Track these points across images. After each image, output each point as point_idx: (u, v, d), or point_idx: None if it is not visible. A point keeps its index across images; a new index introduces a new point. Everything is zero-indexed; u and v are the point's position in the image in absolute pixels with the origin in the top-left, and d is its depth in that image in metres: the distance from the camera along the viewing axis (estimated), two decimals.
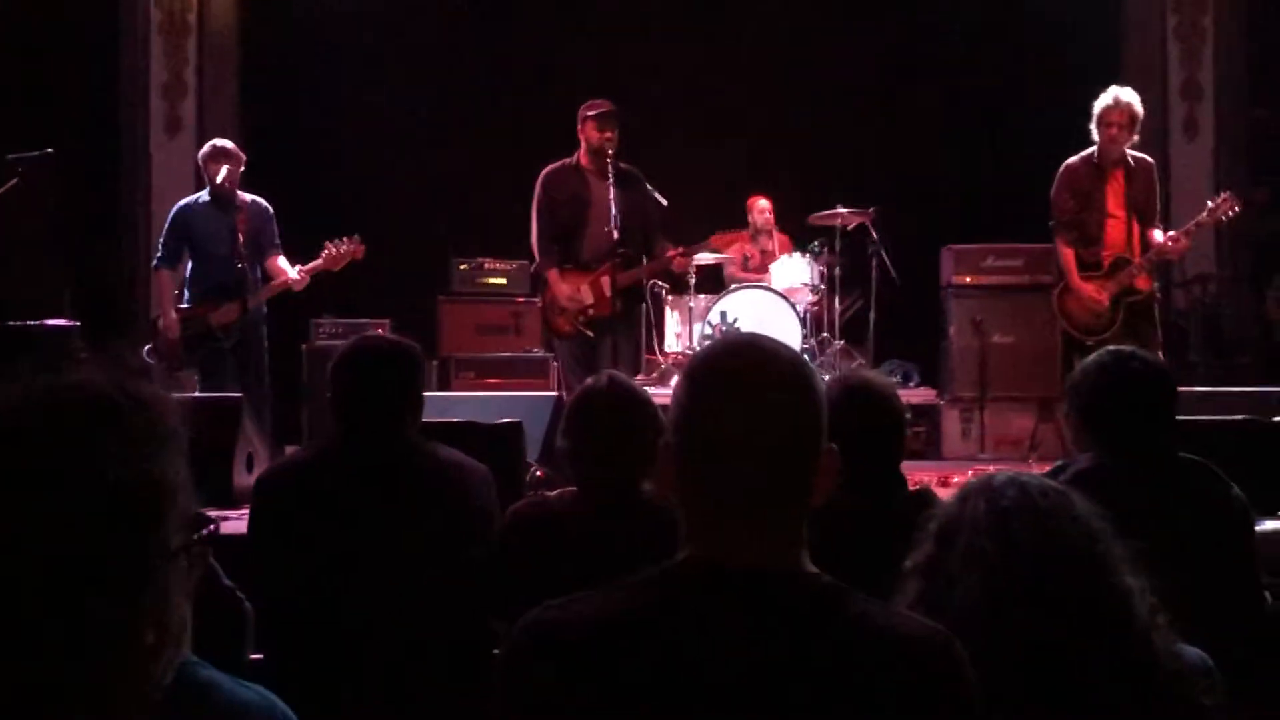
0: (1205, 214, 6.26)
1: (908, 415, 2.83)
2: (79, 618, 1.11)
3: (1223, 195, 6.32)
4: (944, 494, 2.86)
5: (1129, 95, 6.13)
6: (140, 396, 1.20)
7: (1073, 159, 6.27)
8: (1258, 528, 2.92)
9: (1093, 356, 2.92)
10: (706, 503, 1.42)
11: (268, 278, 6.37)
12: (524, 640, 1.41)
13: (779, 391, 1.41)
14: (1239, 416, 4.38)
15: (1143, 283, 6.18)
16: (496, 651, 1.62)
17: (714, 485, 1.41)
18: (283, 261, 6.37)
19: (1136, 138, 6.19)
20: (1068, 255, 6.27)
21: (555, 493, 3.03)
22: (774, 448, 1.39)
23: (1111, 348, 2.95)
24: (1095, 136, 6.16)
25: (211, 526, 1.29)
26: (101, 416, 1.16)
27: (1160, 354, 6.12)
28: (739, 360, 1.45)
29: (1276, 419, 4.36)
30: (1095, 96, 6.33)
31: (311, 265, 6.27)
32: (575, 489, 2.87)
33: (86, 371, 1.20)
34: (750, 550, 1.39)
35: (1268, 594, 2.73)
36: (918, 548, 1.73)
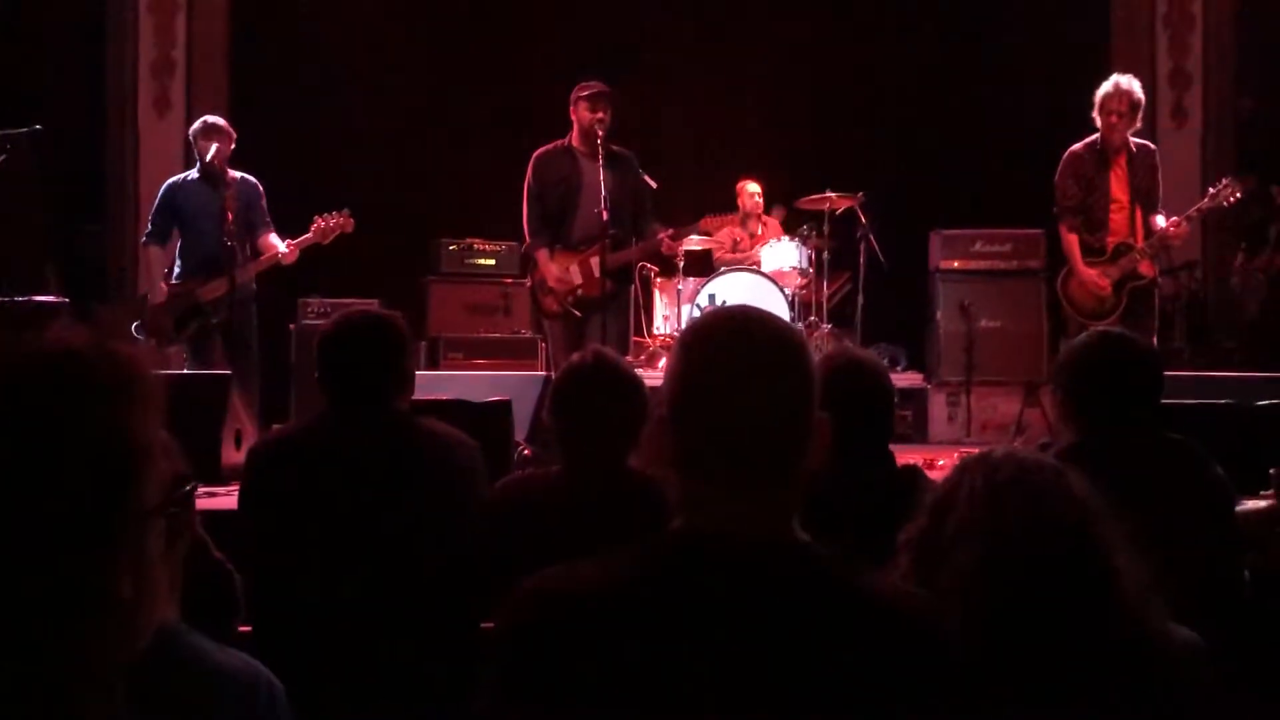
0: (1206, 199, 6.29)
1: (895, 393, 2.85)
2: (52, 568, 1.12)
3: (1224, 181, 6.34)
4: (932, 475, 2.89)
5: (1130, 82, 6.15)
6: (115, 353, 1.19)
7: (1076, 145, 6.29)
8: (1239, 508, 2.95)
9: (1081, 336, 2.95)
10: (701, 472, 1.43)
11: (258, 255, 6.37)
12: (524, 608, 1.42)
13: (771, 359, 1.42)
14: (1222, 400, 4.41)
15: (1146, 268, 6.21)
16: (488, 624, 1.62)
17: (708, 454, 1.42)
18: (274, 238, 6.38)
19: (1139, 124, 6.21)
20: (1072, 241, 6.29)
21: (540, 469, 3.05)
22: (767, 415, 1.41)
23: (1100, 328, 2.97)
24: (1097, 123, 6.17)
25: (190, 486, 1.29)
26: (74, 372, 1.16)
27: (1154, 340, 6.17)
28: (731, 330, 1.47)
29: (1259, 403, 4.39)
30: (1085, 83, 6.35)
31: (301, 239, 6.29)
32: (561, 465, 2.88)
33: (62, 331, 1.20)
34: (745, 519, 1.40)
35: (1247, 572, 2.75)
36: (911, 521, 1.74)
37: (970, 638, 1.47)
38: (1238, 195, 6.27)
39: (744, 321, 1.48)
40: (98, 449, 1.14)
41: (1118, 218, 6.24)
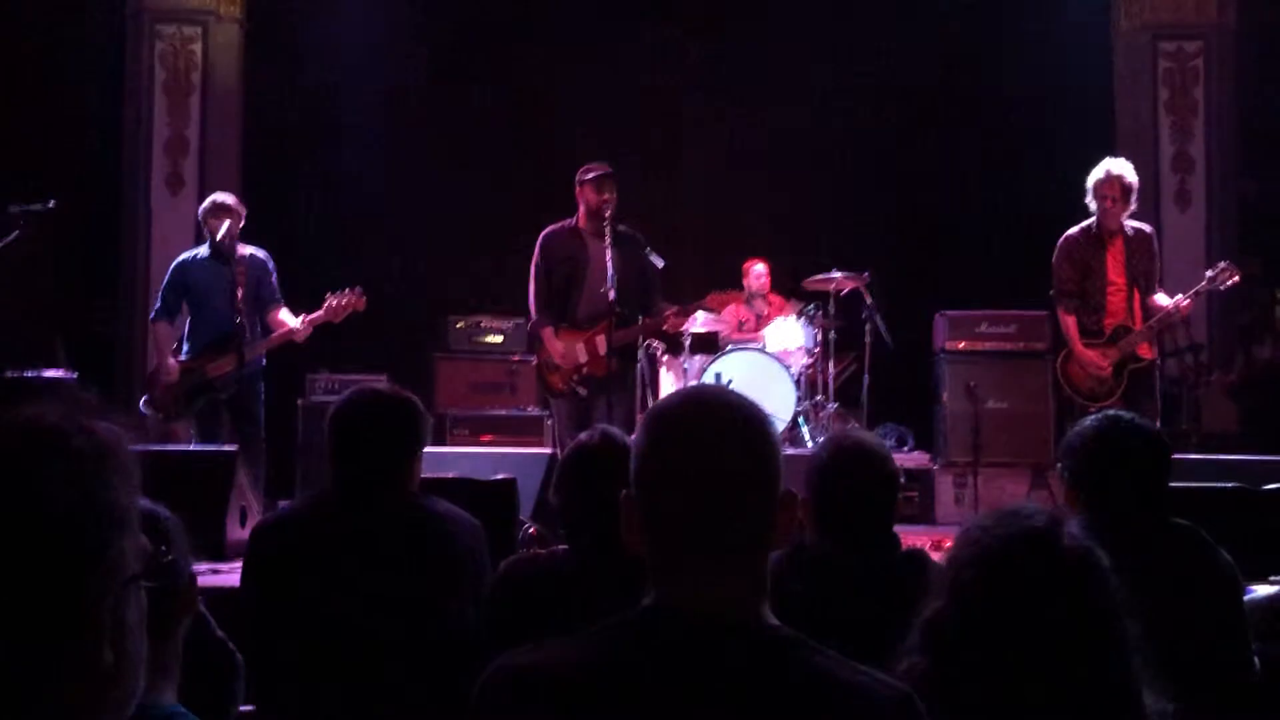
0: (1205, 282, 6.32)
1: (900, 476, 2.84)
2: (27, 634, 1.13)
3: (1222, 265, 6.37)
4: (937, 558, 2.88)
5: (1120, 166, 6.20)
6: (89, 427, 1.21)
7: (1072, 230, 6.33)
8: (1247, 595, 2.93)
9: (1088, 419, 2.94)
10: (666, 550, 1.45)
11: (268, 331, 6.39)
12: (492, 684, 1.44)
13: (732, 437, 1.44)
14: (1229, 484, 4.39)
15: (1145, 350, 6.22)
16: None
17: (672, 532, 1.44)
18: (285, 314, 6.40)
19: (1134, 207, 6.24)
20: (1070, 323, 6.32)
21: (546, 549, 3.03)
22: (729, 492, 1.42)
23: (1109, 412, 2.97)
24: (1091, 208, 6.22)
25: (177, 566, 1.31)
26: (47, 444, 1.18)
27: (1157, 421, 6.16)
28: (692, 409, 1.50)
29: (1267, 486, 4.38)
30: (1088, 166, 6.41)
31: (313, 316, 6.30)
32: (566, 545, 2.87)
33: (39, 404, 1.22)
34: (709, 598, 1.41)
35: (1256, 659, 2.72)
36: (924, 602, 1.71)
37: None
38: (1236, 278, 6.30)
39: (707, 400, 1.52)
40: (70, 520, 1.16)
41: (1115, 300, 6.27)
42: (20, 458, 1.17)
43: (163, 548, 1.32)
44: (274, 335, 6.34)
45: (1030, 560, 1.62)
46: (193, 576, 1.64)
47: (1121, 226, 6.24)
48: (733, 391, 1.54)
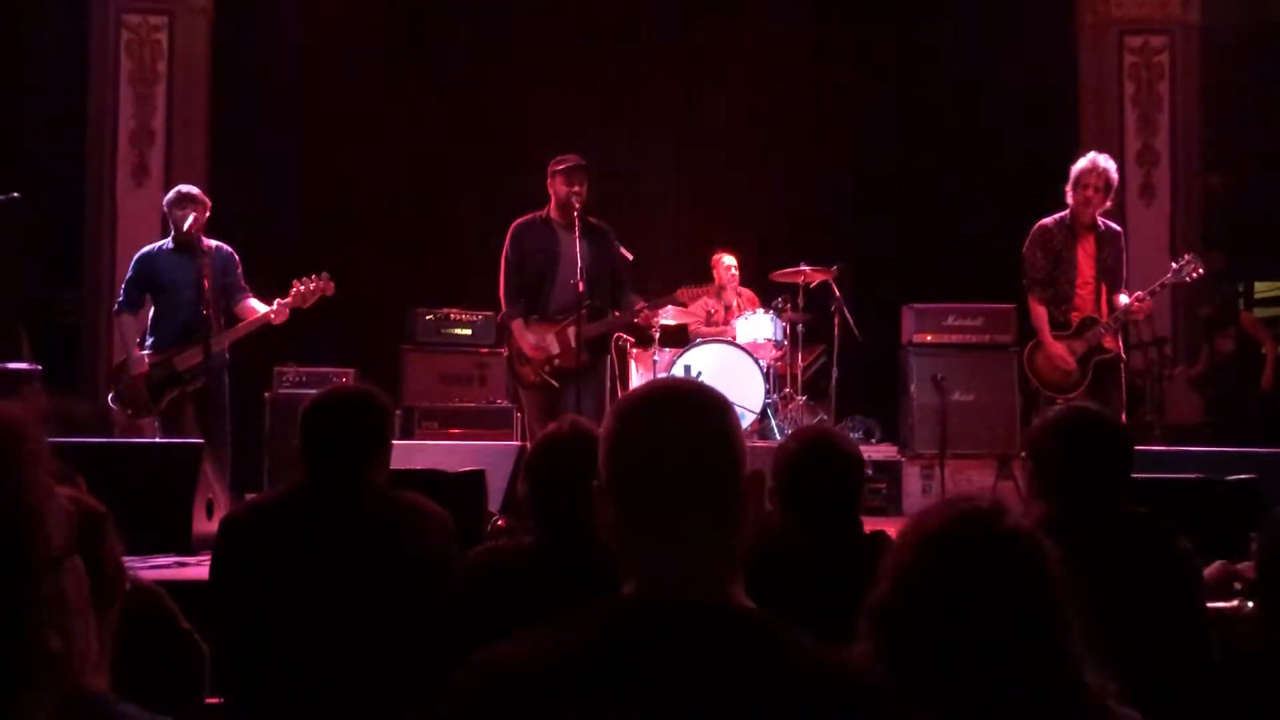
0: (1169, 275, 6.37)
1: (867, 467, 2.87)
2: None
3: (1186, 257, 6.43)
4: None
5: (1106, 161, 6.26)
6: None
7: (1046, 220, 6.37)
8: (1215, 605, 2.96)
9: (1051, 411, 2.97)
10: (638, 538, 1.47)
11: (234, 322, 6.34)
12: (468, 678, 1.44)
13: (697, 423, 1.49)
14: (1191, 475, 4.43)
15: (1109, 342, 6.28)
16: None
17: (642, 519, 1.47)
18: (254, 302, 6.35)
19: (1109, 204, 6.30)
20: (1040, 313, 6.35)
21: (513, 540, 3.04)
22: (697, 477, 1.46)
23: (1072, 403, 3.01)
24: (1069, 199, 6.26)
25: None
26: None
27: (1122, 414, 6.22)
28: (658, 397, 1.55)
29: (1230, 477, 4.42)
30: (1055, 161, 6.46)
31: (286, 300, 6.25)
32: (533, 536, 2.88)
33: None
34: (682, 584, 1.44)
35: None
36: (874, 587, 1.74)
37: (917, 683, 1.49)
38: (1200, 271, 6.36)
39: (672, 389, 1.60)
40: None
41: (1083, 293, 6.32)
42: None
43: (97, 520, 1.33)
44: (247, 321, 6.29)
45: (968, 540, 1.65)
46: (120, 562, 1.64)
47: (1095, 221, 6.29)
48: (695, 382, 1.60)
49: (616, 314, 6.55)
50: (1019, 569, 1.64)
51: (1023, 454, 2.97)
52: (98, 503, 1.70)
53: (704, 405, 1.52)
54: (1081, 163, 6.25)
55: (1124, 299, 6.27)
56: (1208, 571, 3.07)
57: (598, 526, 1.52)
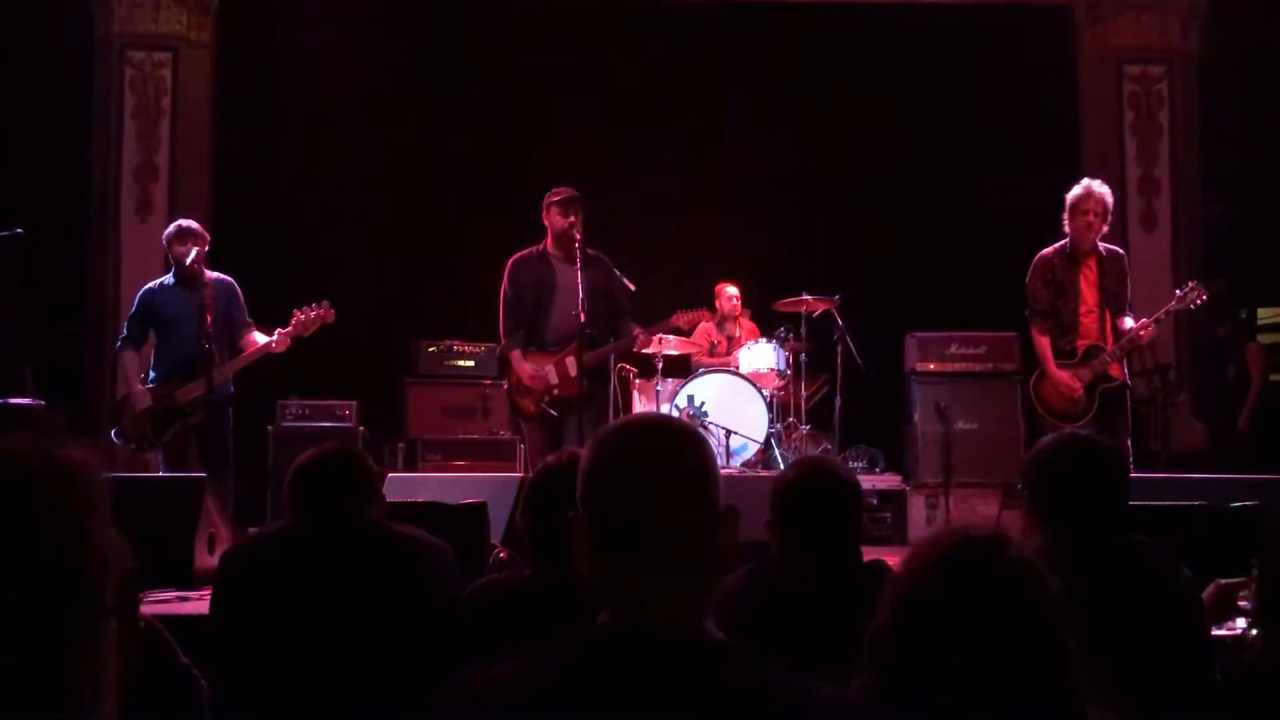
0: (1174, 302, 6.37)
1: (868, 497, 2.87)
2: (25, 680, 1.12)
3: (1190, 284, 6.43)
4: None
5: (1101, 187, 6.28)
6: (65, 462, 1.21)
7: (1046, 250, 6.38)
8: (1218, 631, 2.95)
9: (1048, 438, 2.97)
10: (613, 568, 1.51)
11: (237, 354, 6.35)
12: (449, 701, 1.47)
13: (671, 457, 1.53)
14: (1194, 503, 4.42)
15: (1116, 370, 6.27)
16: None
17: (618, 550, 1.50)
18: (257, 335, 6.37)
19: (1106, 228, 6.31)
20: (1043, 344, 6.35)
21: (514, 572, 3.04)
22: (671, 511, 1.50)
23: (1067, 430, 3.00)
24: (1067, 228, 6.27)
25: (138, 583, 1.30)
26: (31, 485, 1.18)
27: (1128, 441, 6.20)
28: (633, 432, 1.60)
29: (1233, 504, 4.41)
30: (1055, 189, 6.47)
31: (286, 330, 6.26)
32: (532, 568, 2.87)
33: (8, 439, 1.22)
34: (654, 612, 1.47)
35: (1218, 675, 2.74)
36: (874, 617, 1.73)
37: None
38: (1204, 298, 6.36)
39: (647, 425, 1.68)
40: (61, 559, 1.15)
41: (1087, 320, 6.32)
42: (10, 497, 1.16)
43: (133, 572, 1.31)
44: (249, 353, 6.30)
45: (969, 570, 1.65)
46: (139, 614, 1.64)
47: (1096, 247, 6.30)
48: (671, 417, 1.60)
49: (616, 342, 6.54)
50: (1020, 600, 1.63)
51: (1019, 487, 2.96)
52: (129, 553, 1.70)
53: (679, 439, 1.55)
54: (1077, 190, 6.27)
55: (1129, 322, 6.27)
56: (1205, 594, 3.06)
57: (575, 558, 1.54)
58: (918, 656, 1.62)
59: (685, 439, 1.56)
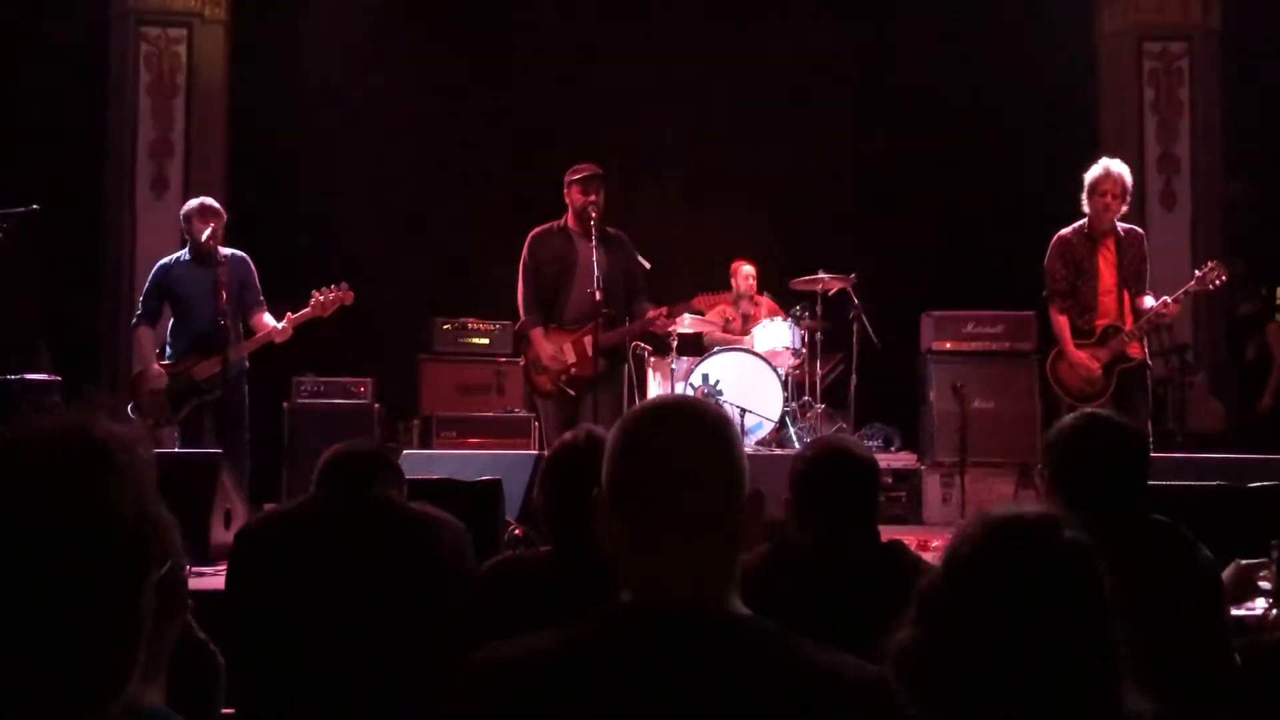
0: (1194, 281, 6.33)
1: (885, 476, 2.86)
2: (93, 653, 1.14)
3: (1210, 264, 6.39)
4: (925, 556, 2.89)
5: (1119, 166, 6.24)
6: (120, 435, 1.22)
7: (1065, 230, 6.34)
8: (1237, 610, 2.93)
9: (1068, 417, 2.95)
10: (637, 547, 1.51)
11: (251, 333, 6.37)
12: (470, 678, 1.47)
13: (698, 439, 1.53)
14: (1212, 483, 4.40)
15: (1135, 350, 6.24)
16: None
17: (642, 530, 1.50)
18: (267, 317, 6.38)
19: (1126, 208, 6.28)
20: (1062, 323, 6.32)
21: (530, 549, 3.03)
22: (695, 488, 1.50)
23: (1088, 410, 2.98)
24: (1086, 208, 6.23)
25: (184, 563, 1.32)
26: (95, 457, 1.19)
27: (1148, 422, 6.17)
28: (661, 413, 1.60)
29: (1251, 484, 4.38)
30: (1074, 167, 6.43)
31: (300, 314, 6.27)
32: (550, 545, 2.87)
33: (67, 414, 1.22)
34: (678, 591, 1.48)
35: (1237, 655, 2.73)
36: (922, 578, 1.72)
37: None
38: (1224, 278, 6.32)
39: (674, 406, 1.68)
40: (128, 533, 1.17)
41: (1106, 300, 6.29)
42: (85, 469, 1.17)
43: (177, 551, 1.33)
44: (256, 337, 6.32)
45: (1028, 541, 1.64)
46: (184, 578, 1.66)
47: (1114, 226, 6.26)
48: (698, 399, 1.64)
49: (633, 321, 6.54)
50: (1075, 583, 1.63)
51: (1039, 466, 2.95)
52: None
53: (705, 421, 1.55)
54: (1095, 170, 6.22)
55: (1150, 301, 6.23)
56: (1225, 575, 3.04)
57: (597, 536, 1.55)
58: (964, 616, 1.61)
59: (714, 422, 1.56)
